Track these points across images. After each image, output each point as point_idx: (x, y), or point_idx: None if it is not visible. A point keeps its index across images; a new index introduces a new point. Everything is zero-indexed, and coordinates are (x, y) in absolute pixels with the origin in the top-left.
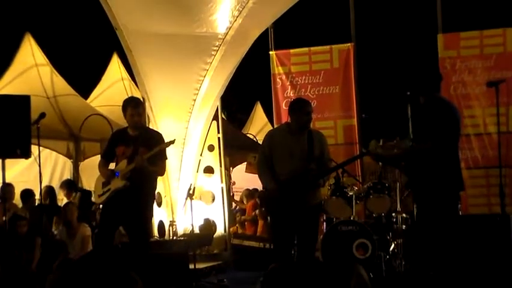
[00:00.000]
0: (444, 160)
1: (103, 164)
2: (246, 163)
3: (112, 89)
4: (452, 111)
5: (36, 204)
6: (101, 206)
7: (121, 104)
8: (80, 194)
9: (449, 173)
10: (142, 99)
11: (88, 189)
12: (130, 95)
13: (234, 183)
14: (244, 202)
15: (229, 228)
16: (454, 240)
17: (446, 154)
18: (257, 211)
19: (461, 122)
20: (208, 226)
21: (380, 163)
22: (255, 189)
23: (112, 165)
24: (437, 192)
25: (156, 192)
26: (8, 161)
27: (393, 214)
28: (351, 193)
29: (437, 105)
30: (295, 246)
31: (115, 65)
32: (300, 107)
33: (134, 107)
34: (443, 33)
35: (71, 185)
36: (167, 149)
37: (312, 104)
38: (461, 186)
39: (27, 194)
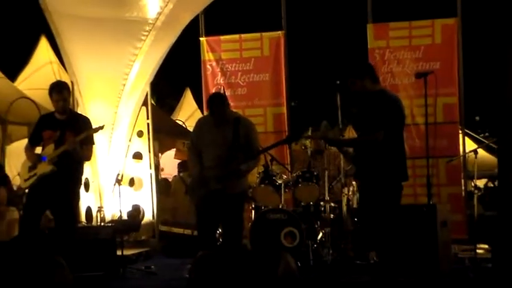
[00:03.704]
0: (390, 151)
1: (29, 148)
2: (175, 149)
3: (40, 72)
4: (397, 103)
5: None
6: (27, 190)
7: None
8: None
9: (394, 164)
10: (70, 83)
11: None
12: (58, 79)
13: (162, 169)
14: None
15: (157, 214)
16: (393, 230)
17: (392, 145)
18: None
19: (404, 113)
20: (136, 212)
21: (310, 151)
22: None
23: (38, 150)
24: (382, 183)
25: (84, 177)
26: None
27: (322, 203)
28: (279, 181)
29: (382, 97)
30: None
31: (44, 48)
32: (211, 103)
33: (58, 92)
34: (373, 23)
35: None
36: (95, 134)
37: (242, 90)
38: (405, 176)
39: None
